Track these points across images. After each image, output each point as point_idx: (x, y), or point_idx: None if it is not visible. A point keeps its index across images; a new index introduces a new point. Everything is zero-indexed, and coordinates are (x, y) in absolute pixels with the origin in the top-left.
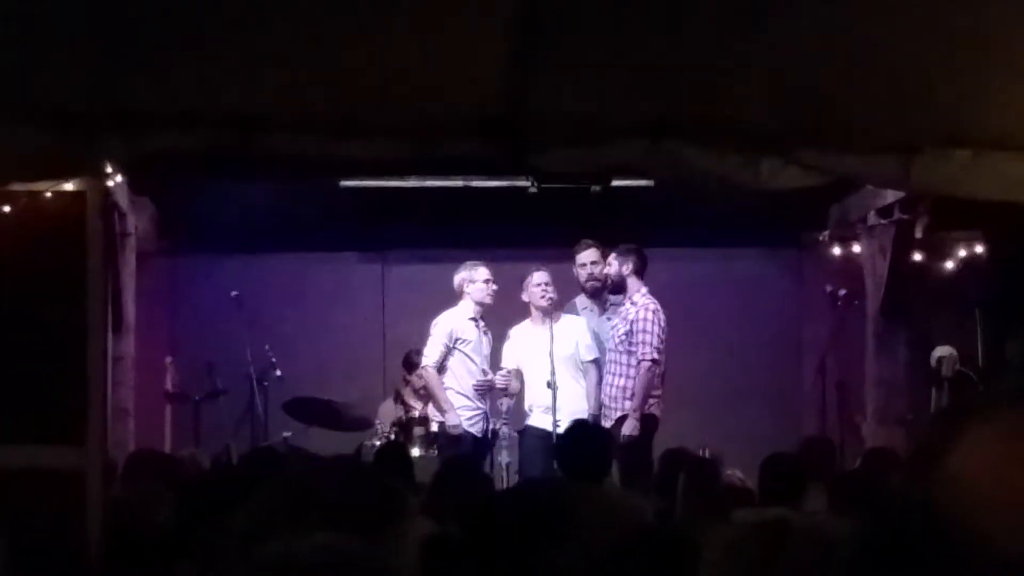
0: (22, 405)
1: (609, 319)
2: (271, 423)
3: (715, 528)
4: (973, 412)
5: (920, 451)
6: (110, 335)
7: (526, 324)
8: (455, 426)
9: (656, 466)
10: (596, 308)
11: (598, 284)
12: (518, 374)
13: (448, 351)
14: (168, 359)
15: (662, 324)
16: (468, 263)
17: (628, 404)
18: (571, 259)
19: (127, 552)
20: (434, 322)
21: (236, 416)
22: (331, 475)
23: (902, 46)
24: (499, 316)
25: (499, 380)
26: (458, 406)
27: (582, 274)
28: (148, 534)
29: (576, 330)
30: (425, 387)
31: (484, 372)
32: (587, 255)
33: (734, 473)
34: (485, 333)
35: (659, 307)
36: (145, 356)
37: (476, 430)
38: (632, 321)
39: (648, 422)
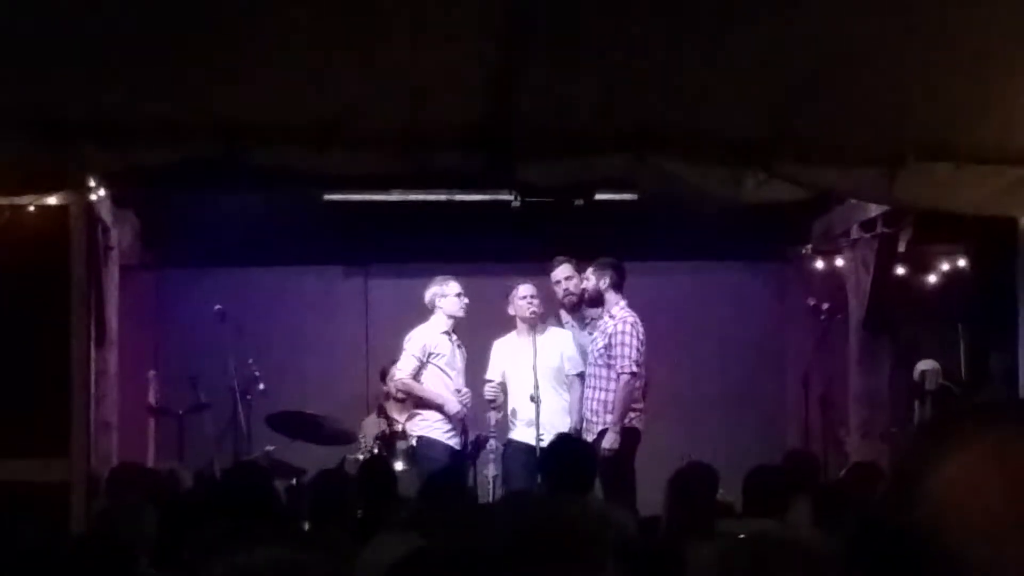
0: (5, 418)
1: (591, 333)
2: (254, 437)
3: (700, 541)
4: (955, 428)
5: (902, 467)
6: (93, 349)
7: (511, 336)
8: (458, 412)
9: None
10: (577, 323)
11: (575, 299)
12: (503, 387)
13: (422, 365)
14: (151, 373)
15: (640, 337)
16: (439, 278)
17: (609, 418)
18: None
19: (110, 565)
20: (407, 337)
21: (219, 430)
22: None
23: (885, 61)
24: (482, 330)
25: (487, 392)
26: (435, 419)
27: (558, 291)
28: (131, 547)
29: (562, 342)
30: (401, 392)
31: (458, 391)
32: (560, 272)
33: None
34: (459, 347)
35: (637, 320)
36: (128, 370)
37: (454, 443)
38: (611, 335)
39: (630, 435)
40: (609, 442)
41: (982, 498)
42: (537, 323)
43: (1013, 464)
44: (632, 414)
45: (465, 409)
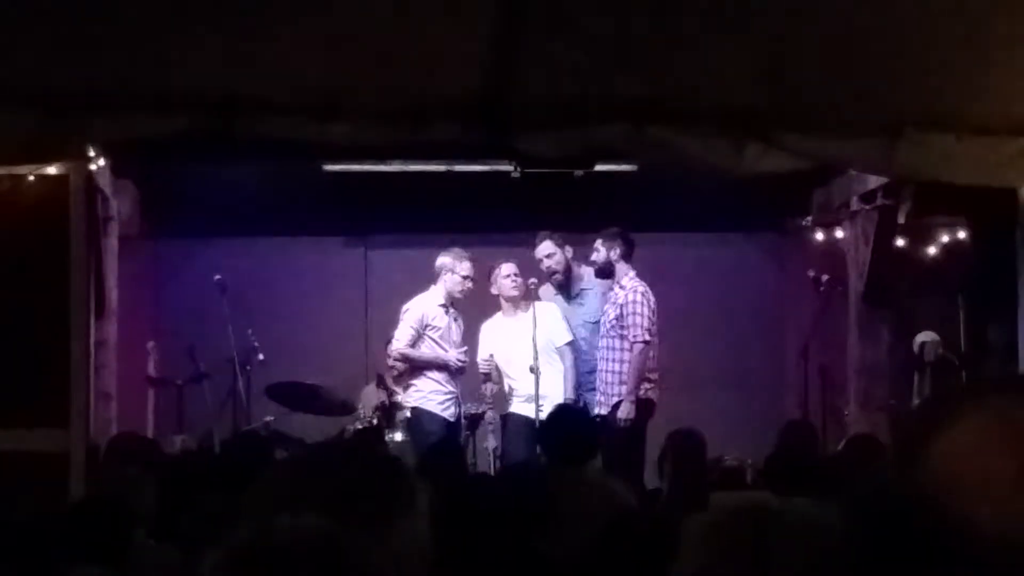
0: (5, 389)
1: (582, 304)
2: (254, 407)
3: (695, 512)
4: (958, 400)
5: (906, 438)
6: (93, 319)
7: (497, 317)
8: (459, 357)
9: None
10: (564, 297)
11: (560, 276)
12: (495, 366)
13: (418, 336)
14: (151, 343)
15: (652, 306)
16: (456, 250)
17: (623, 388)
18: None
19: (108, 535)
20: (404, 307)
21: (219, 400)
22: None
23: (885, 32)
24: (480, 300)
25: (482, 365)
26: (429, 390)
27: (542, 267)
28: (130, 518)
29: (547, 316)
30: (398, 362)
31: (457, 351)
32: (542, 249)
33: (737, 459)
34: (456, 320)
35: (648, 289)
36: (128, 340)
37: (448, 414)
38: (622, 305)
39: (644, 407)
40: (625, 412)
41: (984, 467)
42: (521, 299)
43: (1013, 433)
44: (646, 384)
45: (464, 364)
